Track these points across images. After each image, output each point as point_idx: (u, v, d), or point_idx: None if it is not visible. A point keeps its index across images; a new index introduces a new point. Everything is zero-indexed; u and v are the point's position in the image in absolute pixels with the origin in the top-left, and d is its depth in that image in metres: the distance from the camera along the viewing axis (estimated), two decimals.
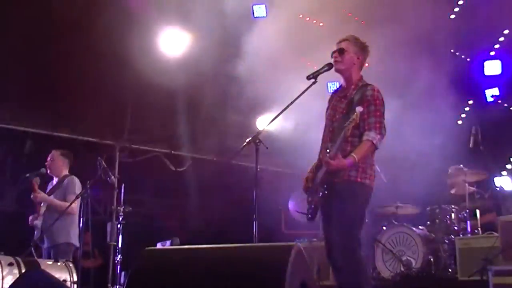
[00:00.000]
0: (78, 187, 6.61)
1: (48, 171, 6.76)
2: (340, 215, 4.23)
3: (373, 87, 4.39)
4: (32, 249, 6.34)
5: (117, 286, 7.22)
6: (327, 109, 4.61)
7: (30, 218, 6.64)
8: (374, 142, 4.23)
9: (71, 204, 6.31)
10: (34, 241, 6.46)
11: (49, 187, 6.86)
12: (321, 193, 4.27)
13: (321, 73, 4.51)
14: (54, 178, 6.84)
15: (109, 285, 7.83)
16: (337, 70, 4.50)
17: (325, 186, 4.25)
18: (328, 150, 4.25)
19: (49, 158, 6.82)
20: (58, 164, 6.80)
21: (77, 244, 6.46)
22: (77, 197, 6.35)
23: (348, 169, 4.23)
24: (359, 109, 4.12)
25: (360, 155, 4.20)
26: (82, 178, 6.66)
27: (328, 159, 4.13)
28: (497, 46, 9.05)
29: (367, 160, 4.34)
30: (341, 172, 4.26)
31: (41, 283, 4.36)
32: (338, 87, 4.67)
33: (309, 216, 4.41)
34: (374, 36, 7.10)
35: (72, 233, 6.52)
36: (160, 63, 8.53)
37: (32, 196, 6.52)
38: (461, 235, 6.95)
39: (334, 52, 4.50)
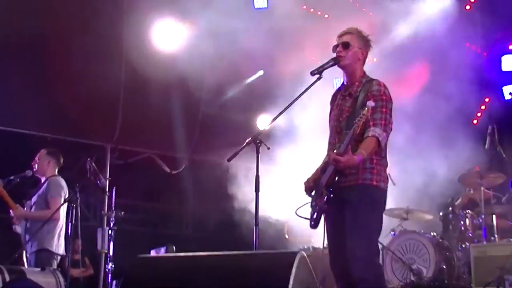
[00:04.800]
0: (59, 188, 6.54)
1: (34, 171, 6.76)
2: (358, 223, 4.17)
3: (378, 82, 4.39)
4: (17, 256, 6.36)
5: None
6: (331, 110, 4.61)
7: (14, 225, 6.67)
8: (380, 139, 4.18)
9: (58, 209, 6.29)
10: (20, 248, 6.47)
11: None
12: (326, 197, 4.22)
13: (326, 68, 4.50)
14: (42, 179, 6.84)
15: None
16: (340, 66, 4.49)
17: (330, 189, 4.23)
18: (335, 151, 4.24)
19: (36, 158, 6.82)
20: (43, 163, 6.72)
21: (60, 252, 6.44)
22: (65, 201, 6.35)
23: (358, 166, 4.17)
24: (370, 103, 4.10)
25: (368, 151, 4.14)
26: (70, 181, 6.67)
27: (336, 156, 4.08)
28: None
29: (381, 162, 4.33)
30: (352, 175, 4.23)
31: None
32: (340, 85, 4.67)
33: (312, 223, 4.39)
34: (382, 28, 7.17)
35: (51, 239, 6.42)
36: (154, 57, 8.55)
37: (11, 213, 6.51)
38: (476, 242, 6.97)
39: (337, 46, 4.48)
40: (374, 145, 4.18)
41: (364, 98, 4.28)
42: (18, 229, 6.52)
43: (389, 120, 4.28)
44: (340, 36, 4.49)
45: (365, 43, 4.50)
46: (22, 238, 6.51)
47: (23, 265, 6.44)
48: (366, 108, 4.05)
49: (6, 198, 6.45)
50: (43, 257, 6.32)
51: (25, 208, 6.60)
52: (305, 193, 4.50)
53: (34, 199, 6.62)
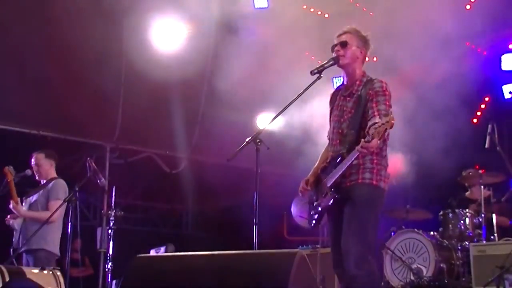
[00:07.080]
0: (63, 191, 6.53)
1: (36, 177, 6.73)
2: (355, 221, 4.22)
3: (380, 79, 4.45)
4: (13, 257, 6.35)
5: None
6: (331, 110, 4.62)
7: (8, 217, 6.64)
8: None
9: (55, 211, 6.27)
10: (16, 248, 6.45)
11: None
12: (332, 199, 4.24)
13: (326, 68, 4.52)
14: (42, 181, 6.83)
15: None
16: (340, 65, 4.51)
17: (336, 190, 4.24)
18: (341, 152, 4.27)
19: (33, 162, 6.73)
20: (45, 168, 6.71)
21: (57, 253, 6.44)
22: (64, 201, 6.33)
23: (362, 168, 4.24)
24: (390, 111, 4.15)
25: (381, 139, 4.12)
26: (70, 180, 6.66)
27: (365, 143, 4.02)
28: None
29: (382, 161, 4.36)
30: (353, 175, 4.27)
31: None
32: (339, 85, 4.68)
33: (313, 222, 4.39)
34: (383, 27, 7.16)
35: (50, 240, 6.41)
36: (154, 56, 8.55)
37: (11, 205, 6.49)
38: (475, 241, 6.97)
39: (335, 45, 4.51)
40: (383, 135, 4.15)
41: (366, 96, 4.31)
42: (16, 225, 6.51)
43: (392, 113, 4.30)
44: (338, 36, 4.55)
45: (364, 42, 4.53)
46: (17, 234, 6.49)
47: (21, 264, 6.43)
48: (390, 116, 4.02)
49: (12, 191, 6.43)
50: (42, 257, 6.31)
51: (23, 205, 6.60)
52: (300, 194, 4.52)
53: (35, 197, 6.60)
